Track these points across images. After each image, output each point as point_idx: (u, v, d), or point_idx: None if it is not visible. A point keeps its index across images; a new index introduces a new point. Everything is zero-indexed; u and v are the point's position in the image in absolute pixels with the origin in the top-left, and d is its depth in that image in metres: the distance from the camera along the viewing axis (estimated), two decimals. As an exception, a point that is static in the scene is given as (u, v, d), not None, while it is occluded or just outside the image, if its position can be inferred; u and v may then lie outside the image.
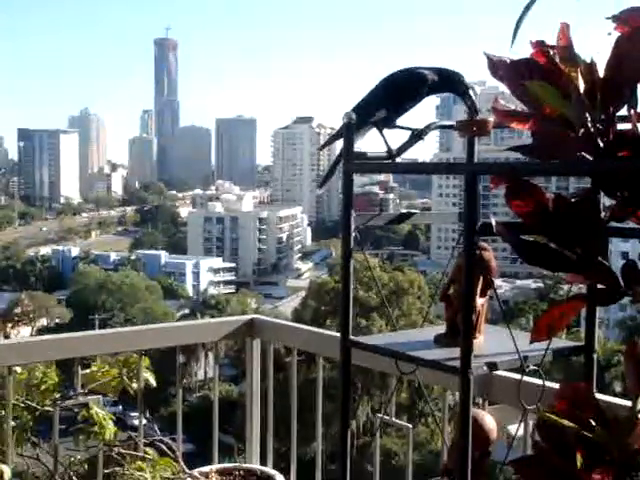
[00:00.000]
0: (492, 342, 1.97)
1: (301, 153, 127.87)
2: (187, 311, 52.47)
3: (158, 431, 3.01)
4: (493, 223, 1.68)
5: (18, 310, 51.22)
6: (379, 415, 2.54)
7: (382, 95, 2.11)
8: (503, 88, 1.78)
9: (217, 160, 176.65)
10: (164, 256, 75.84)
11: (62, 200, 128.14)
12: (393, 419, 2.57)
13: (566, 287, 2.10)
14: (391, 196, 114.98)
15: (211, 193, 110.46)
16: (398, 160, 2.10)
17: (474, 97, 2.08)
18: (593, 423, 1.50)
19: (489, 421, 1.95)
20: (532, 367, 1.84)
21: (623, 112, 1.62)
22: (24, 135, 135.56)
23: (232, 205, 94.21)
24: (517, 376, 2.00)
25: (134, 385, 3.03)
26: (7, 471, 2.62)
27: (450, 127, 2.15)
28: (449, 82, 2.10)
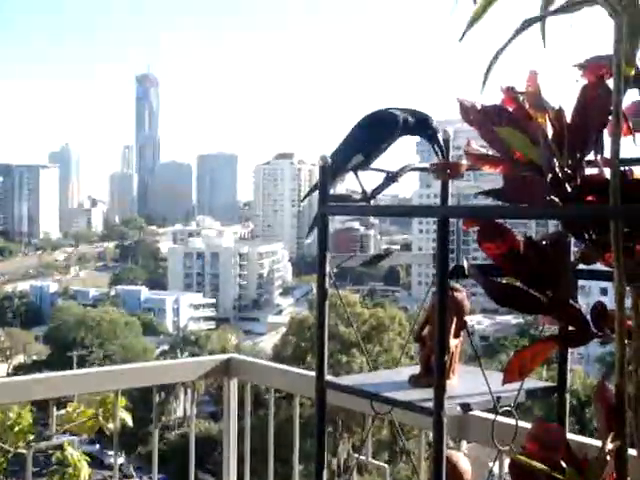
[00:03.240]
0: (466, 383, 1.99)
1: (282, 189, 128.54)
2: (167, 347, 52.01)
3: (134, 471, 2.98)
4: (465, 266, 1.70)
5: (-6, 347, 50.57)
6: (355, 455, 2.54)
7: (357, 141, 2.17)
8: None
9: (198, 196, 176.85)
10: (144, 292, 75.38)
11: (41, 236, 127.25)
12: (369, 459, 2.56)
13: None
14: (371, 232, 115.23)
15: (191, 228, 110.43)
16: (373, 202, 2.13)
17: (441, 141, 2.14)
18: (564, 464, 1.52)
19: (464, 463, 1.96)
20: (505, 408, 1.85)
21: (590, 157, 1.67)
22: (3, 171, 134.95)
23: (213, 240, 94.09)
24: (492, 416, 2.01)
25: (110, 425, 3.01)
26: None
27: (425, 169, 2.19)
28: (420, 125, 2.16)
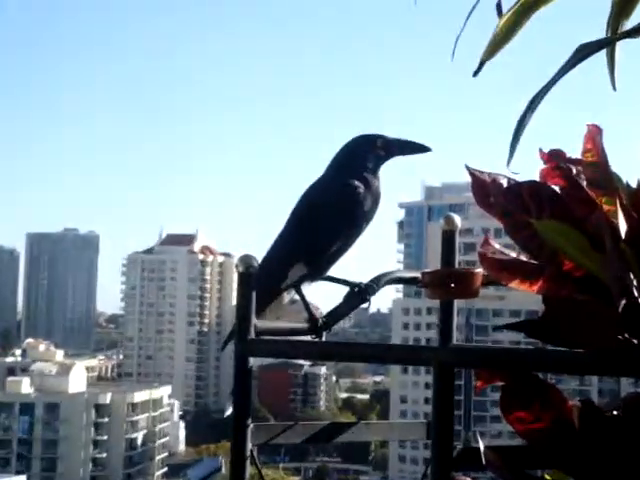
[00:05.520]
0: None
1: (173, 292, 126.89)
2: None
3: None
4: (481, 448, 1.70)
5: None
6: None
7: (296, 242, 2.24)
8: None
9: (27, 303, 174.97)
10: None
11: None
12: None
13: None
14: (323, 370, 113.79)
15: (13, 360, 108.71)
16: (327, 335, 2.14)
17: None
18: None
19: None
20: None
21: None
22: None
23: (49, 382, 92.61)
24: None
25: None
26: None
27: (413, 281, 2.20)
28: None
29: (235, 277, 2.13)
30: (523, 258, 1.79)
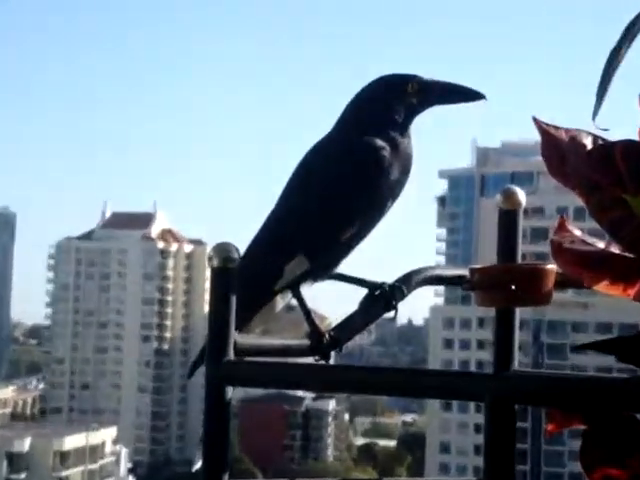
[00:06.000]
0: None
1: (121, 298, 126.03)
2: None
3: None
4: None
5: None
6: None
7: (294, 227, 2.20)
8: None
9: None
10: None
11: None
12: None
13: None
14: (332, 405, 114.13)
15: None
16: (336, 356, 2.09)
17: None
18: None
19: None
20: None
21: None
22: None
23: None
24: None
25: None
26: None
27: (458, 282, 2.19)
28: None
29: (208, 274, 2.10)
30: (614, 250, 1.75)
